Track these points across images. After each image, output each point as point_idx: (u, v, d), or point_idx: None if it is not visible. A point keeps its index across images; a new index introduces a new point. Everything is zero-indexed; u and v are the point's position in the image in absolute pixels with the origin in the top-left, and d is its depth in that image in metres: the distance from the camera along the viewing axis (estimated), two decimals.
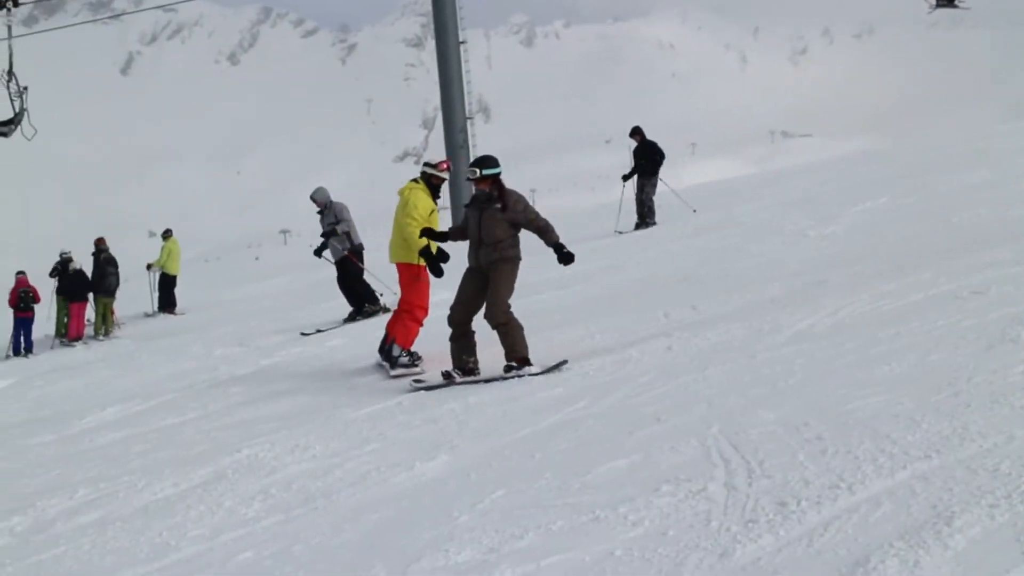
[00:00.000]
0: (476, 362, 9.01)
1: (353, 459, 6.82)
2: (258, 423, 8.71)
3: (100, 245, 23.66)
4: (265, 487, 6.52)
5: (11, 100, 16.29)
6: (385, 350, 10.21)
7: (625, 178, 21.02)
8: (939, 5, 22.09)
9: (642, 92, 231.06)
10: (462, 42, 31.36)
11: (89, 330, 23.27)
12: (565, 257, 8.97)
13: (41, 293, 23.52)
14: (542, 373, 8.46)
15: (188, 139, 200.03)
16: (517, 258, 9.10)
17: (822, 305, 8.78)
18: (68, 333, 23.05)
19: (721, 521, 4.40)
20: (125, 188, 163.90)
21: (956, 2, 22.27)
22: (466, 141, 30.44)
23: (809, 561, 3.87)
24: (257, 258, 70.79)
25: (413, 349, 10.13)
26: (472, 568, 4.43)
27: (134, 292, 27.01)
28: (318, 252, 16.39)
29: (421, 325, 10.22)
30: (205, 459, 7.58)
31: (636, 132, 20.74)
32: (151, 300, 25.21)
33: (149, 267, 25.58)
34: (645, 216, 20.13)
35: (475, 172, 9.09)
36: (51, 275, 23.82)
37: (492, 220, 9.02)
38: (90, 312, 23.38)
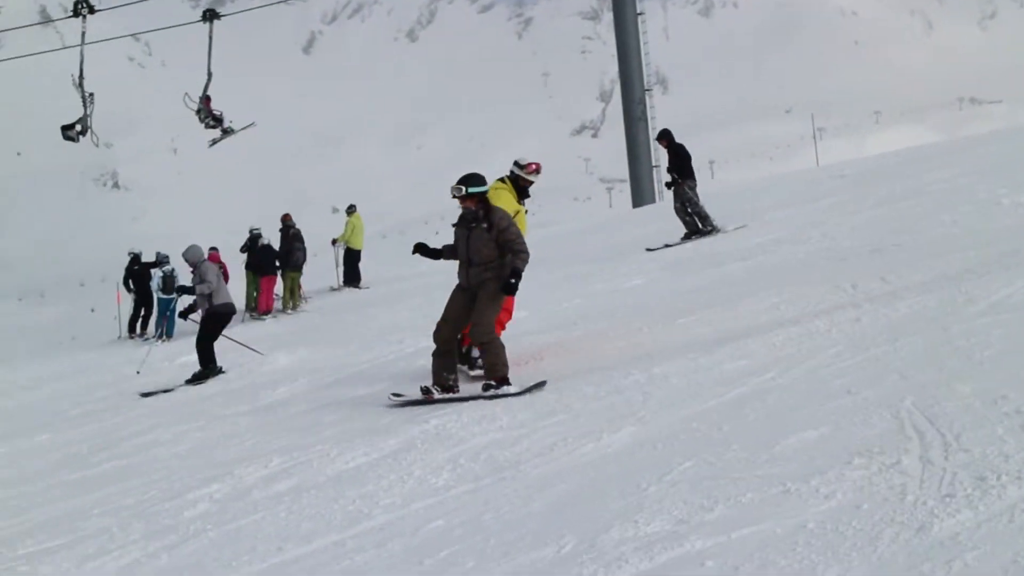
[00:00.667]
0: (456, 380, 8.93)
1: (540, 430, 6.89)
2: None
3: (287, 221, 24.36)
4: (454, 457, 6.64)
5: (84, 105, 16.96)
6: (463, 352, 9.81)
7: (669, 185, 19.27)
8: None
9: (822, 60, 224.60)
10: (640, 14, 31.21)
11: (278, 304, 24.04)
12: (508, 287, 8.83)
13: (232, 268, 24.36)
14: (520, 393, 8.30)
15: (369, 116, 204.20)
16: (496, 280, 8.95)
17: (1019, 275, 8.42)
18: (258, 307, 23.83)
19: (917, 495, 4.30)
20: (309, 166, 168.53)
21: None
22: (644, 113, 30.34)
23: (1011, 537, 3.75)
24: (437, 232, 71.83)
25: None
26: (662, 539, 4.43)
27: (320, 267, 27.76)
28: (184, 315, 15.93)
29: (503, 328, 9.79)
30: (394, 430, 7.78)
31: (664, 136, 19.16)
32: (336, 274, 25.86)
33: (334, 242, 26.17)
34: (700, 223, 18.24)
35: (460, 190, 8.98)
36: (242, 250, 24.66)
37: (480, 239, 8.95)
38: (279, 286, 24.14)
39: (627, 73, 31.33)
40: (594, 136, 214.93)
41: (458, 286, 9.20)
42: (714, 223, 18.10)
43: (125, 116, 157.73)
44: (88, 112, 17.01)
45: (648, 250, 17.63)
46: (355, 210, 26.26)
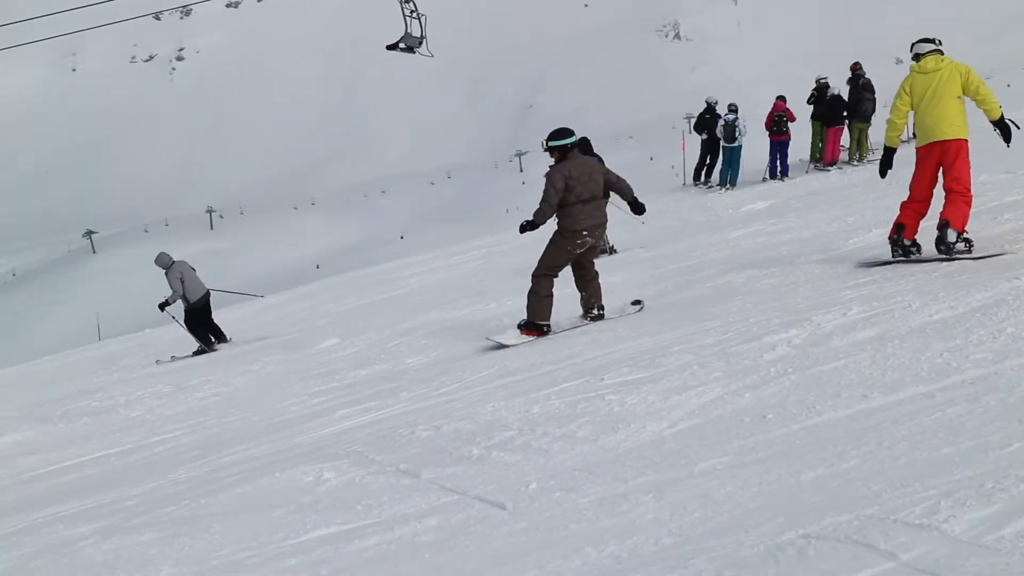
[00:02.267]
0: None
1: None
2: None
3: (856, 70, 23.68)
4: None
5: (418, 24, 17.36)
6: (939, 237, 9.04)
7: None
8: None
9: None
10: None
11: (843, 155, 23.64)
12: (521, 228, 10.12)
13: (799, 118, 24.20)
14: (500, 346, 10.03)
15: None
16: (560, 231, 10.11)
17: None
18: (823, 158, 23.58)
19: None
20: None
21: None
22: None
23: None
24: None
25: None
26: None
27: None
28: (162, 307, 17.81)
29: (970, 207, 9.16)
30: (982, 284, 7.44)
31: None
32: None
33: None
34: None
35: (543, 144, 10.11)
36: (808, 102, 24.37)
37: None
38: (845, 138, 23.69)
39: None
40: None
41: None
42: None
43: None
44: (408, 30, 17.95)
45: None
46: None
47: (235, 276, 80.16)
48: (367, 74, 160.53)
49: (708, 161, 25.63)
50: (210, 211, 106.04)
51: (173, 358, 17.20)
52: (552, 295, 10.27)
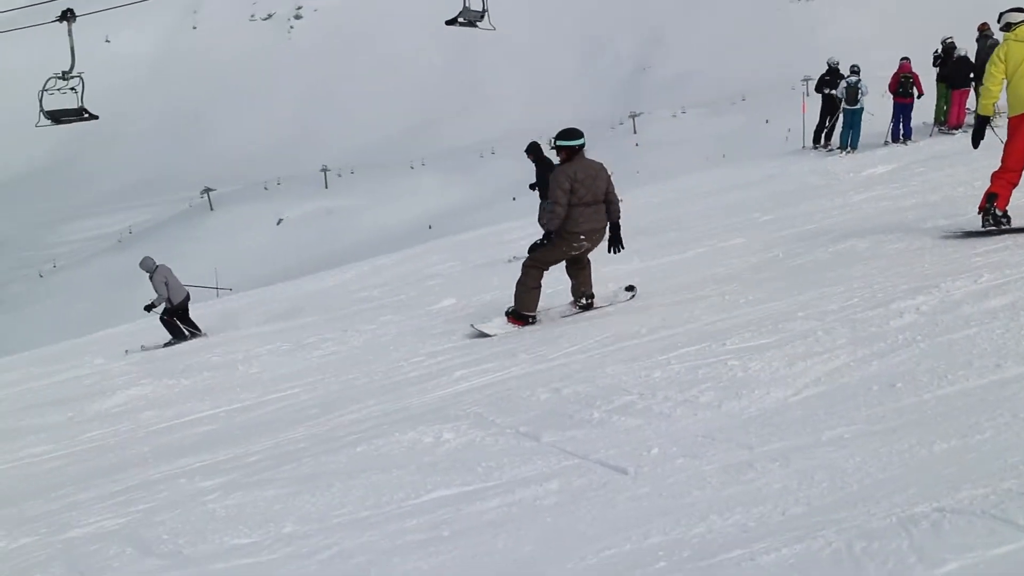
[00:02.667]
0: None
1: None
2: None
3: (984, 30, 22.93)
4: None
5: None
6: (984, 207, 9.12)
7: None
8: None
9: None
10: None
11: (970, 118, 22.96)
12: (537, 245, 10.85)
13: (924, 81, 23.58)
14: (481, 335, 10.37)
15: None
16: (561, 234, 10.12)
17: None
18: (948, 120, 22.96)
19: None
20: None
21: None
22: None
23: None
24: None
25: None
26: None
27: None
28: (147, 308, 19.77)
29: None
30: None
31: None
32: None
33: None
34: None
35: (551, 143, 10.19)
36: (934, 63, 23.69)
37: None
38: (971, 100, 23.01)
39: None
40: None
41: None
42: None
43: None
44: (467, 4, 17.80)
45: None
46: None
47: (349, 235, 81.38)
48: (484, 34, 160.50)
49: (828, 124, 25.11)
50: (324, 170, 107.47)
51: (143, 347, 18.20)
52: (540, 287, 10.42)
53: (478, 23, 18.68)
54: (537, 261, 10.42)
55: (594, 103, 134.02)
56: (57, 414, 11.51)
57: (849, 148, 23.35)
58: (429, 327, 12.11)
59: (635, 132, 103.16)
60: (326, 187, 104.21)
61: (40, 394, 13.86)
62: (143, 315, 22.55)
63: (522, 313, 10.37)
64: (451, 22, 19.30)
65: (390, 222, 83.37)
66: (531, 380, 7.47)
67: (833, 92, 24.37)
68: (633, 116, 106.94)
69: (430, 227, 72.89)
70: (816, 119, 25.62)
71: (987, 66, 9.49)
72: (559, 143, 10.06)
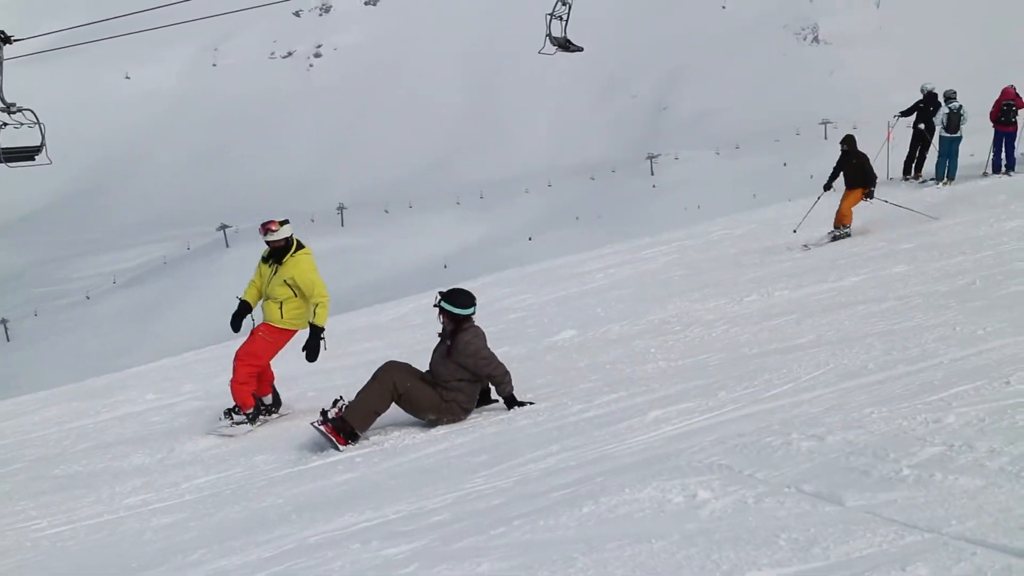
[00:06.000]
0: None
1: None
2: None
3: None
4: None
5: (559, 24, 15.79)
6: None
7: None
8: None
9: None
10: None
11: None
12: (516, 404, 8.55)
13: None
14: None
15: None
16: (460, 409, 8.60)
17: None
18: None
19: None
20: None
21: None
22: None
23: None
24: None
25: None
26: None
27: None
28: None
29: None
30: None
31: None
32: None
33: None
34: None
35: (436, 298, 8.67)
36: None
37: (441, 358, 8.67)
38: None
39: None
40: None
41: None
42: None
43: None
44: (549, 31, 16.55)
45: None
46: None
47: (366, 273, 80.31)
48: (503, 74, 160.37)
49: (919, 153, 23.82)
50: (340, 208, 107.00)
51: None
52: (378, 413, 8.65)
53: (571, 46, 17.77)
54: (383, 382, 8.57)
55: (613, 143, 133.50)
56: (141, 455, 9.81)
57: (946, 179, 22.12)
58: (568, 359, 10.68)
59: (652, 174, 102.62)
60: (342, 225, 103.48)
61: (106, 432, 11.99)
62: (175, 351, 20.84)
63: (350, 422, 8.47)
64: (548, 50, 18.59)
65: (406, 260, 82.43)
66: (757, 422, 6.10)
67: (923, 123, 23.18)
68: (651, 158, 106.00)
69: (445, 266, 72.07)
70: (906, 149, 24.20)
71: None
72: (452, 309, 8.65)
